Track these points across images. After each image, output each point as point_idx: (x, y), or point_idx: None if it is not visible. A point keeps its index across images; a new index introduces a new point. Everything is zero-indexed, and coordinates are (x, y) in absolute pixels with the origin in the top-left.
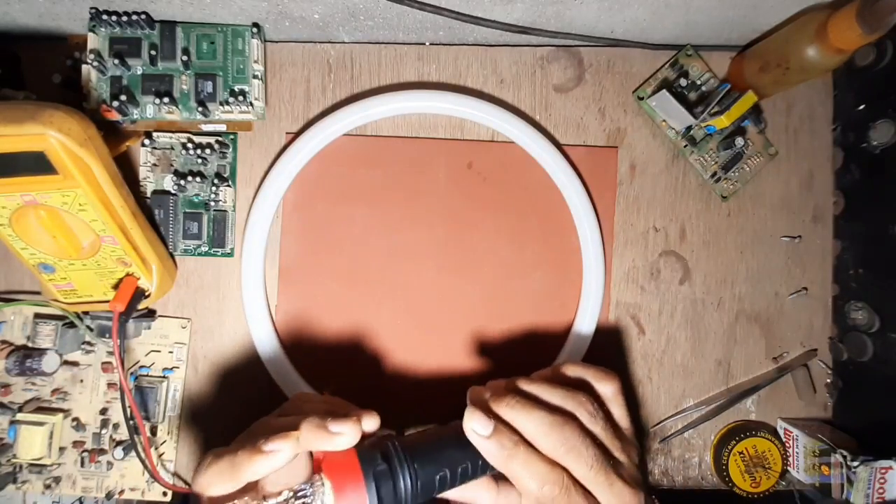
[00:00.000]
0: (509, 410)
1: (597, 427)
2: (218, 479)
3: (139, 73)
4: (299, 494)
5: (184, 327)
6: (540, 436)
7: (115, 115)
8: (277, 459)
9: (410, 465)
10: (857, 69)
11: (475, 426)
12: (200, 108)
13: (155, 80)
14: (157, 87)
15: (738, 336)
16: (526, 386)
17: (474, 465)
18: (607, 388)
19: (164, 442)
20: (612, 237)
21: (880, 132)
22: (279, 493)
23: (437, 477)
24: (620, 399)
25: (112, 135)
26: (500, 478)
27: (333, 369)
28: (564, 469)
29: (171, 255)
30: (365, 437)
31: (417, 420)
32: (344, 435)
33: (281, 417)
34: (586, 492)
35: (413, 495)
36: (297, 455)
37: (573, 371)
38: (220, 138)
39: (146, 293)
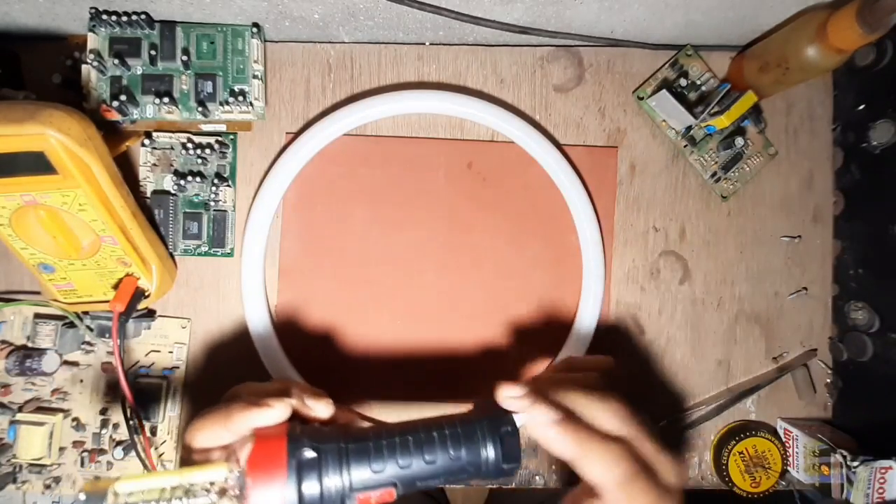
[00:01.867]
0: (568, 393)
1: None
2: (211, 425)
3: (139, 73)
4: (229, 471)
5: (184, 327)
6: (599, 412)
7: (115, 115)
8: (271, 415)
9: (345, 457)
10: (857, 69)
11: (539, 416)
12: (200, 108)
13: (155, 80)
14: (157, 87)
15: (738, 336)
16: (551, 374)
17: (429, 469)
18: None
19: (164, 442)
20: (612, 237)
21: (880, 132)
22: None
23: (373, 472)
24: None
25: (112, 135)
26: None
27: (333, 368)
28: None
29: (171, 255)
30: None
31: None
32: (314, 411)
33: (268, 384)
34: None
35: (343, 491)
36: (287, 414)
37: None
38: (220, 138)
39: (146, 293)
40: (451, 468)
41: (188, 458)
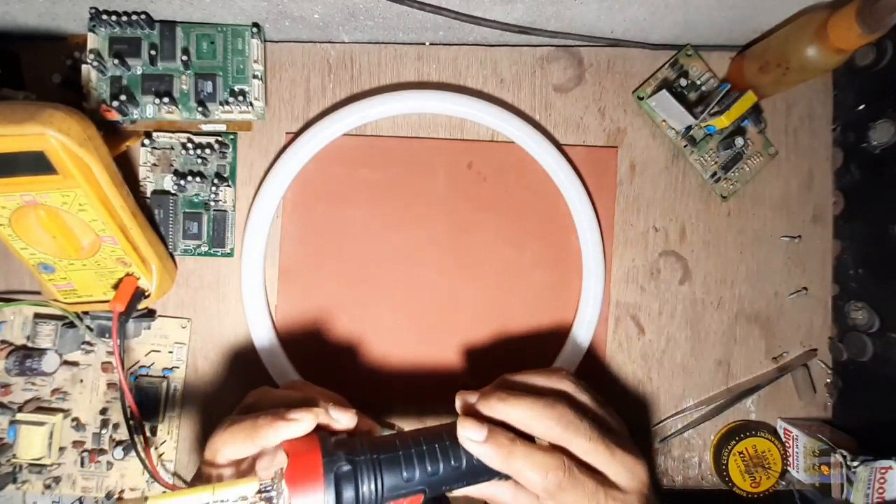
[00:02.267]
0: (499, 405)
1: (584, 396)
2: (236, 438)
3: (139, 73)
4: (263, 487)
5: (184, 327)
6: (533, 420)
7: (115, 115)
8: (299, 428)
9: (377, 469)
10: (857, 69)
11: (469, 434)
12: (200, 108)
13: (155, 80)
14: (157, 87)
15: (738, 336)
16: (509, 377)
17: (454, 473)
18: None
19: (164, 442)
20: (612, 237)
21: (880, 132)
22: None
23: (405, 481)
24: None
25: (112, 135)
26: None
27: (333, 369)
28: (564, 451)
29: (171, 255)
30: (336, 432)
31: (417, 419)
32: (339, 423)
33: (286, 391)
34: (591, 469)
35: (377, 499)
36: (314, 426)
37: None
38: (220, 138)
39: (146, 293)
40: (474, 470)
41: (210, 473)
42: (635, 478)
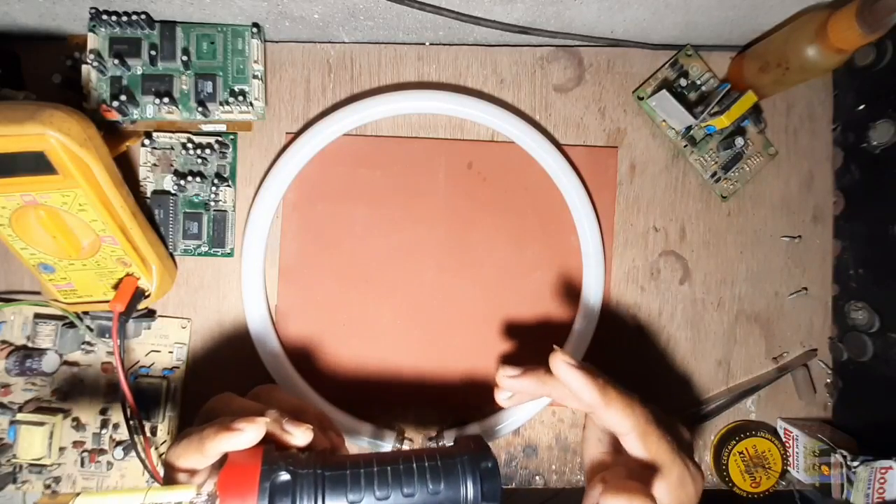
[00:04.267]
0: (581, 376)
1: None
2: (188, 451)
3: (139, 73)
4: (198, 494)
5: (184, 327)
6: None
7: (115, 115)
8: (242, 439)
9: (320, 485)
10: (857, 69)
11: (564, 358)
12: (200, 108)
13: (155, 80)
14: (157, 87)
15: (738, 336)
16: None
17: (405, 502)
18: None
19: (164, 442)
20: (612, 237)
21: (880, 132)
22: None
23: (348, 502)
24: None
25: (112, 135)
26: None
27: (333, 369)
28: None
29: (171, 255)
30: (290, 447)
31: (416, 419)
32: (294, 437)
33: (246, 400)
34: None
35: None
36: (260, 438)
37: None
38: (220, 138)
39: (146, 293)
40: (429, 502)
41: (172, 476)
42: (689, 435)
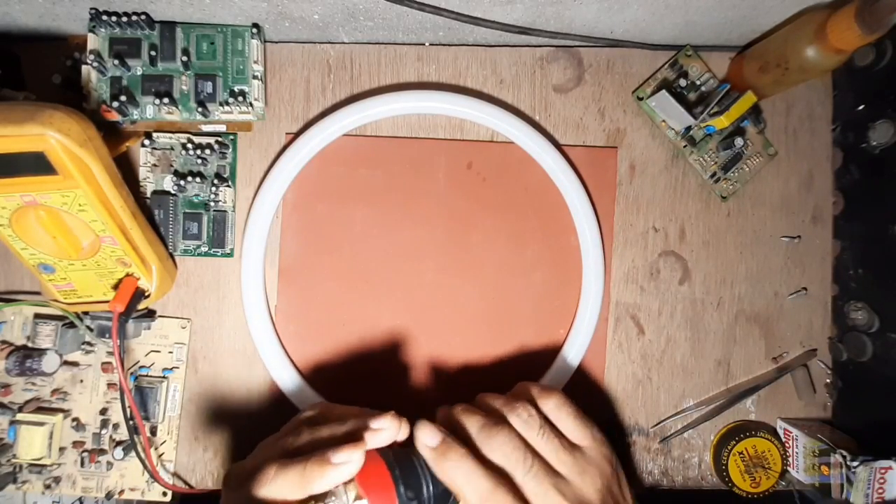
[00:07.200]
0: (457, 415)
1: (531, 433)
2: (286, 490)
3: (139, 73)
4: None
5: (184, 327)
6: (479, 437)
7: (115, 116)
8: (349, 470)
9: (421, 464)
10: (857, 69)
11: (424, 438)
12: (200, 109)
13: (155, 80)
14: (156, 88)
15: (737, 336)
16: (482, 396)
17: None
18: (547, 403)
19: (164, 442)
20: (611, 237)
21: (880, 132)
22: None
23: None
24: (566, 412)
25: (112, 135)
26: None
27: (333, 368)
28: (508, 481)
29: (171, 256)
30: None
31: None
32: (400, 434)
33: (346, 407)
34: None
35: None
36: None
37: (520, 388)
38: (219, 139)
39: (146, 293)
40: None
41: None
42: None
